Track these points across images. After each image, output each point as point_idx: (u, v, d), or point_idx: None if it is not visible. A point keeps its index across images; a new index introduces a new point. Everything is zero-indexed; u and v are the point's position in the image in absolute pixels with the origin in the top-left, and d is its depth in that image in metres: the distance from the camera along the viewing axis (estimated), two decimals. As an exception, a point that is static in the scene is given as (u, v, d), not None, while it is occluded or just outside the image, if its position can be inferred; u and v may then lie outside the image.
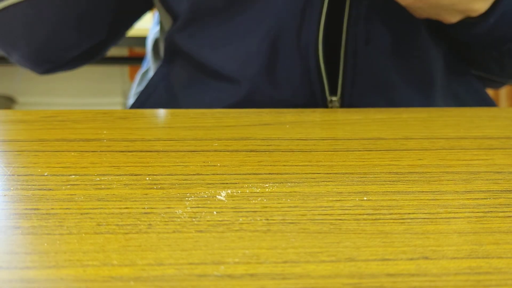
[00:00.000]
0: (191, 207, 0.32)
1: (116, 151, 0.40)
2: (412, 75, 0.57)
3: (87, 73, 2.38)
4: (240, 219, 0.31)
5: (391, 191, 0.34)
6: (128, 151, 0.40)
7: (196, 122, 0.46)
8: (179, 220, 0.31)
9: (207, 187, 0.34)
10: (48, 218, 0.30)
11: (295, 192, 0.34)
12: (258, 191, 0.34)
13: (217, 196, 0.33)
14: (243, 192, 0.34)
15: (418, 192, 0.34)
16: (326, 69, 0.55)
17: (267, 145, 0.41)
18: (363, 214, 0.32)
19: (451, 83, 0.60)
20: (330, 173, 0.37)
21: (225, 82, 0.56)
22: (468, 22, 0.52)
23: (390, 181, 0.36)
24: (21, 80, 2.49)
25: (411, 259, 0.27)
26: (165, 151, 0.40)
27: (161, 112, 0.53)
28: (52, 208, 0.32)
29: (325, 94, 0.56)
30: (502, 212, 0.32)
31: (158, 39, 0.70)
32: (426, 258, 0.28)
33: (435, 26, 0.55)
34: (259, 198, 0.33)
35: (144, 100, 0.62)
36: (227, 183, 0.35)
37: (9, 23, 0.58)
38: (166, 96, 0.61)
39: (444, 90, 0.59)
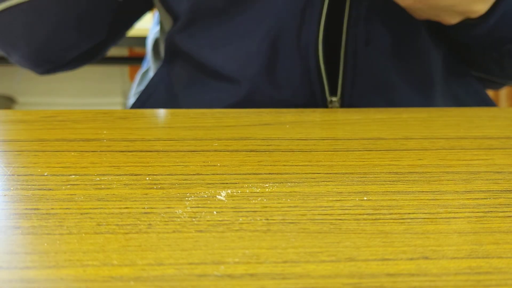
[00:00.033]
0: (191, 207, 0.32)
1: (116, 151, 0.40)
2: (412, 76, 0.57)
3: (87, 73, 2.38)
4: (240, 219, 0.31)
5: (391, 191, 0.34)
6: (128, 151, 0.40)
7: (196, 122, 0.46)
8: (179, 220, 0.31)
9: (207, 187, 0.34)
10: (48, 218, 0.30)
11: (295, 192, 0.34)
12: (258, 191, 0.34)
13: (217, 196, 0.33)
14: (243, 192, 0.34)
15: (418, 192, 0.34)
16: (326, 69, 0.55)
17: (267, 145, 0.41)
18: (363, 214, 0.32)
19: (451, 84, 0.60)
20: (330, 173, 0.37)
21: (225, 82, 0.56)
22: (468, 24, 0.52)
23: (390, 181, 0.36)
24: (21, 80, 2.49)
25: (411, 259, 0.27)
26: (165, 151, 0.40)
27: (161, 112, 0.53)
28: (52, 208, 0.32)
29: (325, 95, 0.56)
30: (502, 212, 0.32)
31: (158, 39, 0.70)
32: (426, 258, 0.28)
33: (435, 27, 0.55)
34: (259, 198, 0.33)
35: (145, 100, 0.62)
36: (227, 183, 0.35)
37: (9, 24, 0.58)
38: (167, 96, 0.61)
39: (444, 91, 0.59)
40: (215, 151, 0.40)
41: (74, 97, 2.52)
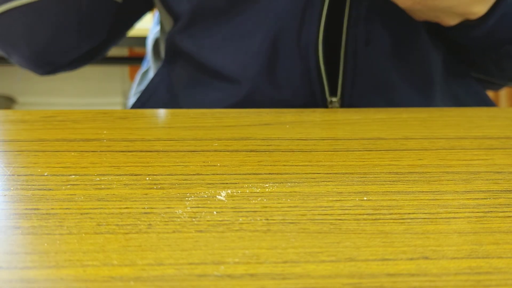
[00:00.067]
0: (191, 207, 0.32)
1: (116, 151, 0.40)
2: (412, 76, 0.57)
3: (87, 73, 2.38)
4: (240, 219, 0.31)
5: (391, 191, 0.34)
6: (128, 151, 0.40)
7: (196, 122, 0.46)
8: (179, 220, 0.31)
9: (207, 187, 0.34)
10: (48, 218, 0.30)
11: (295, 192, 0.34)
12: (258, 191, 0.34)
13: (217, 196, 0.33)
14: (243, 192, 0.34)
15: (418, 192, 0.34)
16: (326, 69, 0.55)
17: (267, 145, 0.41)
18: (363, 214, 0.32)
19: (451, 84, 0.60)
20: (330, 173, 0.37)
21: (226, 82, 0.56)
22: (467, 25, 0.52)
23: (390, 181, 0.36)
24: (21, 80, 2.49)
25: (411, 259, 0.27)
26: (165, 151, 0.40)
27: (161, 112, 0.53)
28: (52, 208, 0.32)
29: (325, 95, 0.56)
30: (502, 212, 0.32)
31: (158, 39, 0.70)
32: (426, 258, 0.28)
33: (434, 28, 0.55)
34: (259, 198, 0.33)
35: (145, 101, 0.62)
36: (227, 183, 0.35)
37: (10, 25, 0.58)
38: (167, 97, 0.61)
39: (444, 91, 0.59)
40: (215, 151, 0.40)
41: (74, 97, 2.52)
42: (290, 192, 0.34)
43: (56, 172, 0.36)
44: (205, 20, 0.56)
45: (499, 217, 0.32)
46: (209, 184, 0.35)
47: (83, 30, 0.59)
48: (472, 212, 0.32)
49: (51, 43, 0.59)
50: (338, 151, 0.41)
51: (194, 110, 0.50)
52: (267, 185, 0.35)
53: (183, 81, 0.60)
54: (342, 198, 0.33)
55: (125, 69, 2.51)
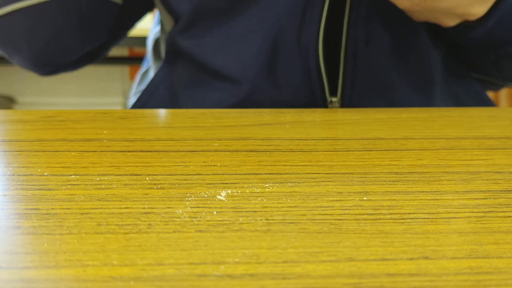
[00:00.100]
0: (191, 207, 0.32)
1: (116, 151, 0.40)
2: (412, 76, 0.57)
3: (87, 73, 2.38)
4: (240, 219, 0.31)
5: (391, 191, 0.34)
6: (128, 151, 0.40)
7: (196, 122, 0.46)
8: (179, 220, 0.31)
9: (207, 187, 0.34)
10: (48, 218, 0.30)
11: (295, 192, 0.34)
12: (258, 191, 0.34)
13: (217, 196, 0.33)
14: (243, 192, 0.34)
15: (418, 192, 0.34)
16: (326, 69, 0.55)
17: (267, 145, 0.41)
18: (363, 214, 0.32)
19: (451, 84, 0.60)
20: (330, 173, 0.37)
21: (226, 82, 0.56)
22: (466, 26, 0.52)
23: (390, 181, 0.36)
24: (21, 80, 2.49)
25: (411, 259, 0.27)
26: (165, 151, 0.40)
27: (161, 112, 0.53)
28: (52, 208, 0.32)
29: (325, 95, 0.56)
30: (502, 212, 0.32)
31: (158, 38, 0.70)
32: (426, 258, 0.28)
33: (434, 29, 0.55)
34: (259, 198, 0.33)
35: (145, 101, 0.62)
36: (227, 183, 0.35)
37: (11, 27, 0.58)
38: (167, 96, 0.61)
39: (444, 91, 0.59)
40: (215, 151, 0.40)
41: (74, 97, 2.52)
42: (290, 192, 0.34)
43: (56, 172, 0.36)
44: (205, 20, 0.56)
45: (499, 217, 0.32)
46: (209, 184, 0.35)
47: (84, 31, 0.60)
48: (472, 212, 0.32)
49: (52, 45, 0.60)
50: (338, 151, 0.41)
51: (194, 110, 0.50)
52: (267, 185, 0.35)
53: (183, 81, 0.60)
54: (342, 198, 0.33)
55: (125, 69, 2.51)
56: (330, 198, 0.33)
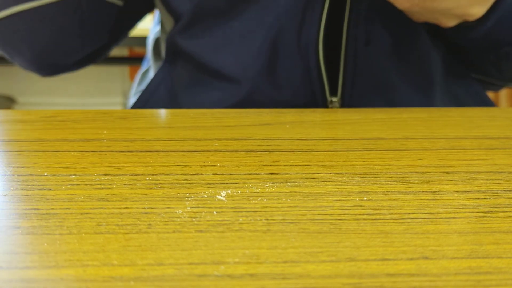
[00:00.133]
0: (191, 207, 0.32)
1: (116, 151, 0.40)
2: (412, 76, 0.57)
3: (87, 73, 2.38)
4: (240, 219, 0.31)
5: (391, 191, 0.34)
6: (128, 151, 0.40)
7: (196, 122, 0.46)
8: (179, 220, 0.31)
9: (207, 187, 0.34)
10: (48, 218, 0.30)
11: (295, 192, 0.34)
12: (258, 191, 0.34)
13: (217, 196, 0.33)
14: (243, 192, 0.34)
15: (418, 192, 0.34)
16: (326, 69, 0.55)
17: (267, 145, 0.41)
18: (363, 214, 0.32)
19: (451, 85, 0.60)
20: (330, 173, 0.37)
21: (226, 82, 0.56)
22: (465, 26, 0.52)
23: (390, 181, 0.36)
24: (21, 80, 2.49)
25: (411, 259, 0.27)
26: (165, 151, 0.40)
27: (161, 112, 0.53)
28: (52, 208, 0.32)
29: (325, 95, 0.56)
30: (502, 212, 0.32)
31: (158, 38, 0.70)
32: (426, 258, 0.28)
33: (433, 29, 0.55)
34: (259, 198, 0.33)
35: (146, 100, 0.62)
36: (227, 183, 0.35)
37: (12, 30, 0.58)
38: (167, 96, 0.61)
39: (444, 91, 0.59)
40: (215, 151, 0.40)
41: (74, 97, 2.52)
42: (290, 192, 0.34)
43: (56, 172, 0.36)
44: (205, 20, 0.56)
45: (499, 217, 0.32)
46: (209, 184, 0.35)
47: (84, 33, 0.60)
48: (472, 212, 0.32)
49: (53, 46, 0.60)
50: (338, 151, 0.41)
51: (194, 110, 0.50)
52: (267, 185, 0.35)
53: (183, 81, 0.60)
54: (342, 198, 0.33)
55: (125, 69, 2.51)
56: (330, 198, 0.33)
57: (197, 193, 0.34)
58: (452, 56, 0.59)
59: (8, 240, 0.28)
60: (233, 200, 0.33)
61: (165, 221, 0.30)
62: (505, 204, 0.33)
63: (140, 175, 0.36)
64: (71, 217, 0.31)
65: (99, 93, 2.53)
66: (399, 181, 0.36)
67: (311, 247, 0.28)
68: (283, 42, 0.54)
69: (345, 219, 0.31)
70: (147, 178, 0.35)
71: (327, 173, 0.37)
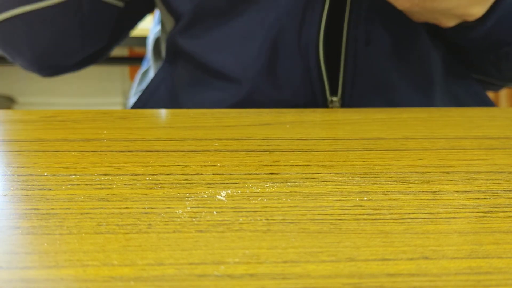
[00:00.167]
0: (191, 207, 0.32)
1: (116, 151, 0.40)
2: (412, 76, 0.57)
3: (87, 73, 2.38)
4: (240, 219, 0.31)
5: (391, 191, 0.34)
6: (128, 151, 0.40)
7: (196, 122, 0.46)
8: (179, 220, 0.31)
9: (207, 187, 0.34)
10: (48, 218, 0.30)
11: (295, 192, 0.34)
12: (258, 191, 0.34)
13: (217, 196, 0.33)
14: (243, 192, 0.34)
15: (418, 192, 0.34)
16: (326, 69, 0.55)
17: (267, 145, 0.41)
18: (363, 214, 0.32)
19: (451, 85, 0.60)
20: (330, 173, 0.37)
21: (226, 82, 0.56)
22: (465, 27, 0.52)
23: (390, 181, 0.36)
24: (21, 80, 2.49)
25: (411, 259, 0.27)
26: (165, 151, 0.40)
27: (161, 112, 0.53)
28: (52, 208, 0.32)
29: (325, 95, 0.56)
30: (502, 212, 0.32)
31: (159, 38, 0.70)
32: (426, 258, 0.28)
33: (433, 29, 0.55)
34: (259, 198, 0.33)
35: (146, 100, 0.62)
36: (227, 183, 0.35)
37: (13, 31, 0.58)
38: (168, 96, 0.61)
39: (444, 91, 0.59)
40: (215, 151, 0.40)
41: (74, 97, 2.52)
42: (290, 192, 0.34)
43: (56, 172, 0.36)
44: (206, 20, 0.56)
45: (499, 217, 0.32)
46: (209, 184, 0.35)
47: (85, 34, 0.60)
48: (472, 212, 0.32)
49: (54, 48, 0.60)
50: (338, 151, 0.41)
51: (194, 110, 0.50)
52: (267, 185, 0.35)
53: (184, 81, 0.60)
54: (342, 198, 0.33)
55: (125, 69, 2.51)
56: (330, 198, 0.33)
57: (197, 193, 0.34)
58: (452, 56, 0.59)
59: (8, 240, 0.28)
60: (233, 200, 0.33)
61: (165, 221, 0.30)
62: (505, 204, 0.33)
63: (140, 175, 0.36)
64: (71, 217, 0.31)
65: (99, 93, 2.53)
66: (399, 181, 0.36)
67: (311, 247, 0.28)
68: (283, 42, 0.54)
69: (345, 219, 0.31)
70: (147, 178, 0.35)
71: (327, 173, 0.37)
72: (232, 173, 0.36)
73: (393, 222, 0.31)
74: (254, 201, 0.33)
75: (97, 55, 0.64)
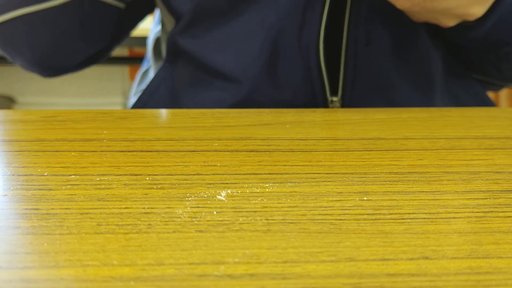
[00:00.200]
0: (191, 207, 0.32)
1: (116, 151, 0.40)
2: (412, 76, 0.57)
3: (87, 73, 2.37)
4: (240, 219, 0.31)
5: (391, 191, 0.34)
6: (128, 151, 0.40)
7: (196, 122, 0.46)
8: (179, 220, 0.31)
9: (207, 187, 0.34)
10: (48, 218, 0.30)
11: (295, 192, 0.34)
12: (258, 191, 0.34)
13: (217, 196, 0.33)
14: (243, 192, 0.34)
15: (418, 192, 0.34)
16: (326, 69, 0.55)
17: (267, 145, 0.41)
18: (363, 214, 0.32)
19: (451, 85, 0.60)
20: (330, 173, 0.37)
21: (227, 82, 0.56)
22: (465, 26, 0.52)
23: (390, 181, 0.36)
24: (21, 80, 2.49)
25: (411, 259, 0.27)
26: (165, 151, 0.40)
27: (161, 112, 0.53)
28: (52, 208, 0.32)
29: (325, 95, 0.56)
30: (502, 212, 0.32)
31: (159, 38, 0.70)
32: (426, 258, 0.28)
33: (434, 29, 0.55)
34: (259, 198, 0.33)
35: (146, 100, 0.62)
36: (227, 183, 0.35)
37: (13, 33, 0.58)
38: (168, 96, 0.61)
39: (444, 91, 0.59)
40: (215, 151, 0.40)
41: (74, 97, 2.52)
42: (290, 192, 0.34)
43: (56, 172, 0.36)
44: (206, 20, 0.56)
45: (499, 217, 0.32)
46: (209, 184, 0.35)
47: (86, 35, 0.60)
48: (472, 212, 0.32)
49: (55, 49, 0.60)
50: (338, 151, 0.41)
51: (194, 110, 0.50)
52: (267, 185, 0.35)
53: (184, 81, 0.60)
54: (342, 198, 0.33)
55: (125, 69, 2.51)
56: (330, 198, 0.33)
57: (197, 193, 0.34)
58: (452, 56, 0.59)
59: (8, 240, 0.28)
60: (233, 200, 0.33)
61: (165, 221, 0.30)
62: (505, 204, 0.33)
63: (140, 175, 0.36)
64: (71, 217, 0.31)
65: (99, 93, 2.53)
66: (399, 181, 0.36)
67: (311, 247, 0.28)
68: (283, 42, 0.54)
69: (345, 219, 0.31)
70: (147, 178, 0.35)
71: (327, 173, 0.37)
72: (232, 173, 0.36)
73: (393, 222, 0.31)
74: (254, 201, 0.33)
75: (98, 55, 0.64)
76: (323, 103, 0.56)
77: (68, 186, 0.34)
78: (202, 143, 0.41)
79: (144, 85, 0.73)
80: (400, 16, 0.53)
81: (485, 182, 0.36)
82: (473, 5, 0.49)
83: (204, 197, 0.33)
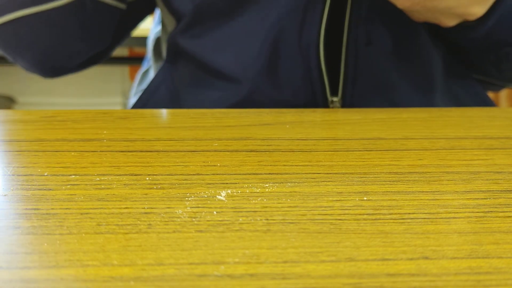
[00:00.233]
0: (191, 207, 0.32)
1: (116, 151, 0.40)
2: (413, 76, 0.57)
3: (87, 73, 2.38)
4: (240, 219, 0.31)
5: (391, 191, 0.34)
6: (128, 151, 0.40)
7: (196, 122, 0.46)
8: (179, 220, 0.31)
9: (207, 187, 0.34)
10: (48, 218, 0.30)
11: (295, 192, 0.34)
12: (258, 191, 0.34)
13: (217, 196, 0.33)
14: (243, 192, 0.34)
15: (418, 192, 0.34)
16: (327, 69, 0.55)
17: (267, 145, 0.41)
18: (363, 214, 0.32)
19: (452, 85, 0.60)
20: (330, 173, 0.37)
21: (227, 82, 0.56)
22: (466, 26, 0.52)
23: (390, 181, 0.36)
24: (21, 80, 2.49)
25: (411, 259, 0.27)
26: (165, 151, 0.40)
27: (161, 112, 0.53)
28: (52, 208, 0.32)
29: (326, 95, 0.56)
30: (502, 212, 0.32)
31: (159, 38, 0.70)
32: (426, 258, 0.28)
33: (434, 29, 0.55)
34: (259, 198, 0.33)
35: (146, 100, 0.62)
36: (227, 183, 0.35)
37: (14, 34, 0.58)
38: (168, 96, 0.61)
39: (444, 92, 0.59)
40: (215, 151, 0.40)
41: (74, 97, 2.52)
42: (290, 192, 0.34)
43: (56, 172, 0.36)
44: (207, 20, 0.56)
45: (499, 217, 0.32)
46: (209, 184, 0.35)
47: (87, 36, 0.60)
48: (472, 212, 0.32)
49: (55, 50, 0.60)
50: (338, 151, 0.41)
51: (194, 110, 0.50)
52: (267, 185, 0.35)
53: (184, 81, 0.60)
54: (342, 198, 0.33)
55: (125, 69, 2.51)
56: (330, 198, 0.33)
57: (197, 193, 0.34)
58: (452, 56, 0.59)
59: (8, 240, 0.28)
60: (233, 200, 0.33)
61: (165, 221, 0.30)
62: (505, 204, 0.33)
63: (140, 175, 0.36)
64: (71, 217, 0.31)
65: (99, 93, 2.53)
66: (399, 181, 0.36)
67: (311, 247, 0.28)
68: (284, 42, 0.54)
69: (345, 219, 0.31)
70: (147, 178, 0.35)
71: (327, 173, 0.37)
72: (232, 173, 0.36)
73: (393, 222, 0.31)
74: (254, 201, 0.33)
75: (99, 56, 0.64)
76: (323, 103, 0.56)
77: (68, 186, 0.34)
78: (202, 143, 0.41)
79: (144, 85, 0.73)
80: (400, 16, 0.53)
81: (485, 182, 0.36)
82: (473, 4, 0.49)
83: (204, 197, 0.33)
